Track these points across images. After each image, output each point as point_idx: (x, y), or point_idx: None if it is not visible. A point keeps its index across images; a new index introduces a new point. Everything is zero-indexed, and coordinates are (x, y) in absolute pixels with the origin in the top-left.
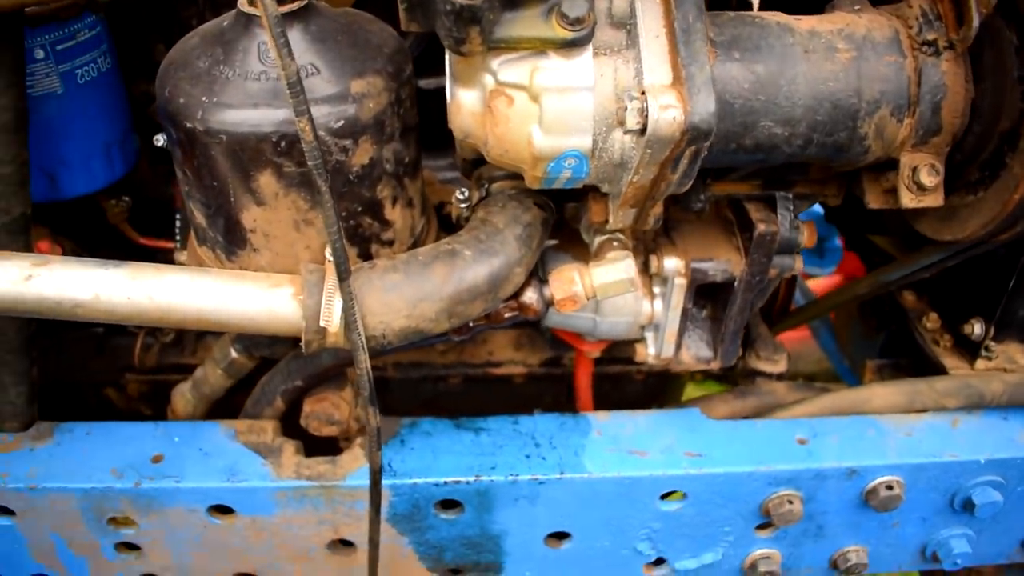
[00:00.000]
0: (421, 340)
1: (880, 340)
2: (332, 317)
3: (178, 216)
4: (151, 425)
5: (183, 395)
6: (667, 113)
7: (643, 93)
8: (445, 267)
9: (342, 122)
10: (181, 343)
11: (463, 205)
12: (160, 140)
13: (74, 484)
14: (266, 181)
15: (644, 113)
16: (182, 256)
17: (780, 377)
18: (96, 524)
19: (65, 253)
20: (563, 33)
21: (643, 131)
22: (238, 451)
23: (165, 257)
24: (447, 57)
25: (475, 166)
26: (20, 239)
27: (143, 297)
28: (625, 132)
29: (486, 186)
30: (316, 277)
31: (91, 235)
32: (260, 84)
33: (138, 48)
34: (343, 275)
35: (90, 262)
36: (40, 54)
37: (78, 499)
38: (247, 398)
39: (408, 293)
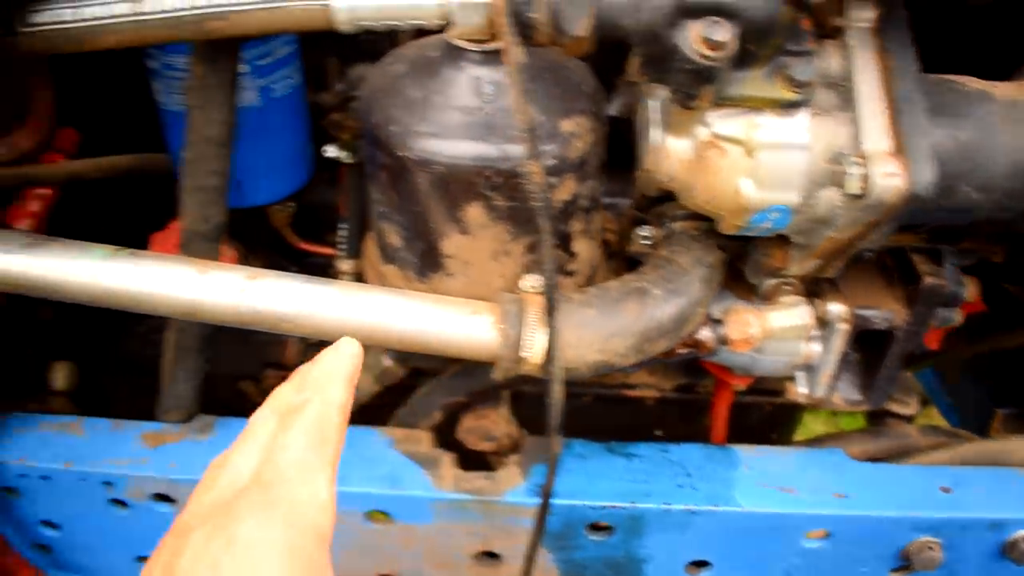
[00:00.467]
0: (606, 371)
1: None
2: (534, 348)
3: (342, 225)
4: None
5: None
6: (889, 181)
7: (863, 158)
8: (636, 305)
9: (554, 161)
10: (323, 344)
11: (646, 243)
12: (329, 151)
13: None
14: (474, 212)
15: (866, 179)
16: (345, 265)
17: (910, 419)
18: None
19: (238, 257)
20: (788, 95)
21: (861, 195)
22: (398, 459)
23: (322, 263)
24: (651, 104)
25: (654, 203)
26: (215, 246)
27: (349, 315)
28: (843, 194)
29: (667, 224)
30: (516, 308)
31: (251, 237)
32: (474, 118)
33: (311, 61)
34: (552, 310)
35: (296, 277)
36: (243, 68)
37: None
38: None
39: (602, 328)
